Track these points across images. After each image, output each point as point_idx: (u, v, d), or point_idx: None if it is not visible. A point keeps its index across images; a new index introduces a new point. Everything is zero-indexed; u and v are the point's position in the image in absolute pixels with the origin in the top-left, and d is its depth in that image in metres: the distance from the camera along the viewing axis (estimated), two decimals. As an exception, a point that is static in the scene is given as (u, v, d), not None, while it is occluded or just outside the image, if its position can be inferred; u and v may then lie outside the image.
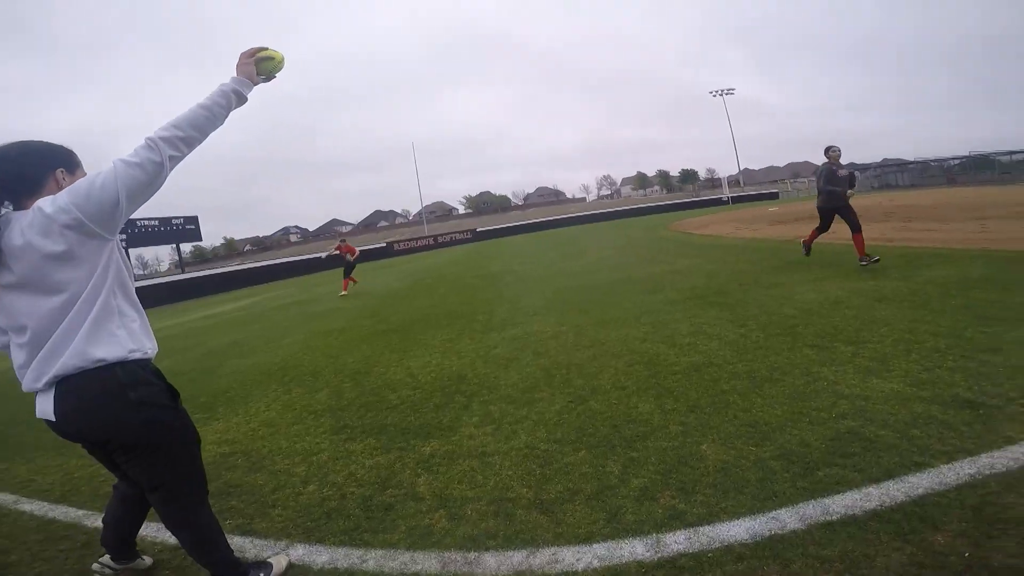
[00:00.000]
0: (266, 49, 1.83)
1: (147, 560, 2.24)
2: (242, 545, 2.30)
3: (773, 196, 49.44)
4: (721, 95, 58.76)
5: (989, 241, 7.50)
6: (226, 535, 2.29)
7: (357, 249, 14.77)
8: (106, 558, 2.13)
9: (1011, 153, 36.58)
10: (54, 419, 1.61)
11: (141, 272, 69.16)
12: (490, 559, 1.98)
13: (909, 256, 7.02)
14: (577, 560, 1.89)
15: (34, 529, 2.72)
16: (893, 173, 47.87)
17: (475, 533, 2.15)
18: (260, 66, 1.82)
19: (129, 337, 1.67)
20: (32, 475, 3.51)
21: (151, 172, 1.56)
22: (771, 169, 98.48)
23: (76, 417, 1.61)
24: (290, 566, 2.10)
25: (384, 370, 4.97)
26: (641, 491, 2.25)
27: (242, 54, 1.82)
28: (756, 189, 58.02)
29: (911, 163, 48.43)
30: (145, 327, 1.79)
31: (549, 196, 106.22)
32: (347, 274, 14.08)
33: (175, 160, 1.61)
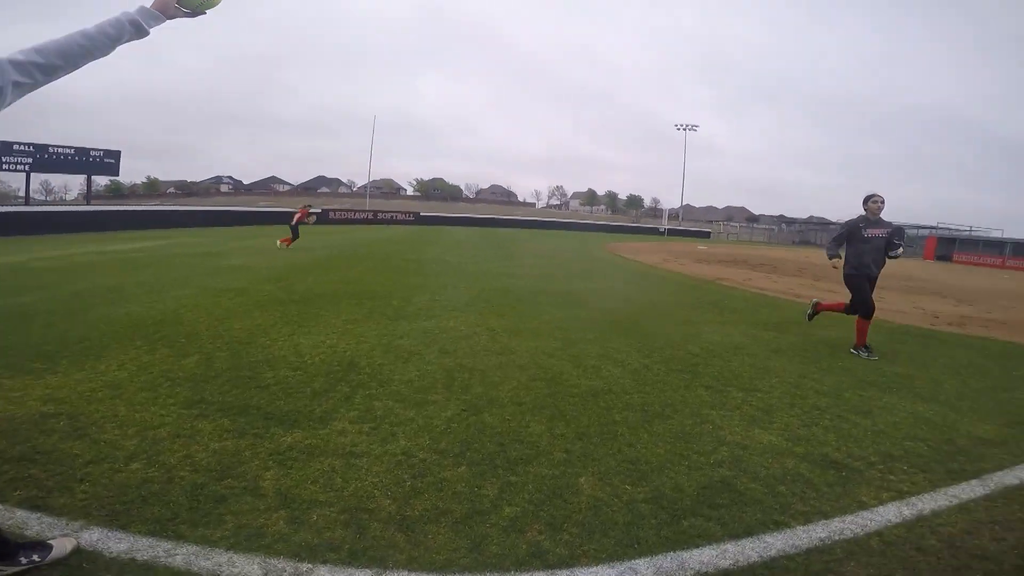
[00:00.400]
0: None
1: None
2: (26, 521, 1.98)
3: (705, 235, 52.10)
4: (685, 130, 61.03)
5: (881, 312, 8.11)
6: (12, 509, 2.04)
7: (309, 211, 16.24)
8: None
9: (919, 227, 41.02)
10: None
11: (43, 198, 61.81)
12: (325, 573, 1.75)
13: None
14: (425, 591, 1.69)
15: None
16: (815, 231, 52.16)
17: (316, 542, 1.91)
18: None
19: None
20: None
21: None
22: (710, 209, 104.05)
23: None
24: (76, 551, 1.82)
25: (270, 343, 4.53)
26: (511, 521, 2.09)
27: None
28: (692, 225, 60.99)
29: (832, 224, 53.03)
30: None
31: (501, 195, 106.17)
32: (294, 233, 14.86)
33: (22, 88, 1.48)
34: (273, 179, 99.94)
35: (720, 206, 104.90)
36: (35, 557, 1.74)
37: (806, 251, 32.64)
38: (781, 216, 64.40)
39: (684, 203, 65.95)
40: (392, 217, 40.90)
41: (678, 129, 61.01)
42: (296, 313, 5.78)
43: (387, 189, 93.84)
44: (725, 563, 1.89)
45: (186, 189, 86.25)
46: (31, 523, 1.97)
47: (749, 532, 2.08)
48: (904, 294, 11.16)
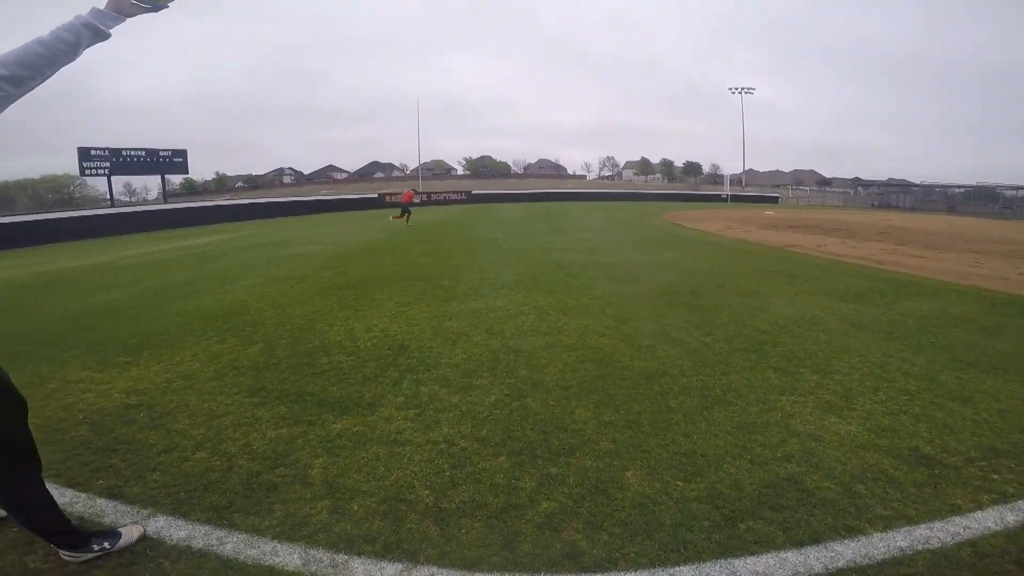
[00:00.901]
0: None
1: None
2: (103, 509, 2.12)
3: (773, 200, 48.81)
4: (740, 93, 57.44)
5: (981, 278, 7.29)
6: (94, 497, 2.20)
7: (413, 194, 21.29)
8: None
9: (1017, 188, 36.52)
10: None
11: (127, 198, 67.36)
12: (358, 566, 1.75)
13: (895, 283, 6.78)
14: (452, 590, 1.65)
15: None
16: (895, 193, 47.78)
17: (353, 533, 1.92)
18: None
19: None
20: None
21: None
22: (776, 173, 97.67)
23: None
24: (142, 538, 1.93)
25: (327, 328, 4.67)
26: (547, 518, 2.00)
27: None
28: (757, 190, 57.45)
29: (915, 186, 48.34)
30: None
31: (549, 169, 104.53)
32: (404, 212, 18.72)
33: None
34: (331, 168, 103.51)
35: (787, 170, 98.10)
36: (105, 544, 1.86)
37: (887, 214, 29.80)
38: (856, 179, 59.34)
39: (747, 167, 62.08)
40: (445, 198, 41.32)
41: (733, 92, 57.37)
42: (352, 298, 5.93)
43: (438, 170, 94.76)
44: (783, 574, 1.70)
45: (252, 182, 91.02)
46: (107, 511, 2.10)
47: (816, 539, 1.85)
48: (1007, 259, 9.95)
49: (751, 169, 75.09)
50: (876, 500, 2.08)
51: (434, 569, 1.74)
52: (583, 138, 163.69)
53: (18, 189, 72.86)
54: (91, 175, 25.53)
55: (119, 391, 3.36)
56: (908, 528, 1.91)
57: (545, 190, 51.68)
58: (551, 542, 1.86)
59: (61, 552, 1.85)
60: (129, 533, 1.92)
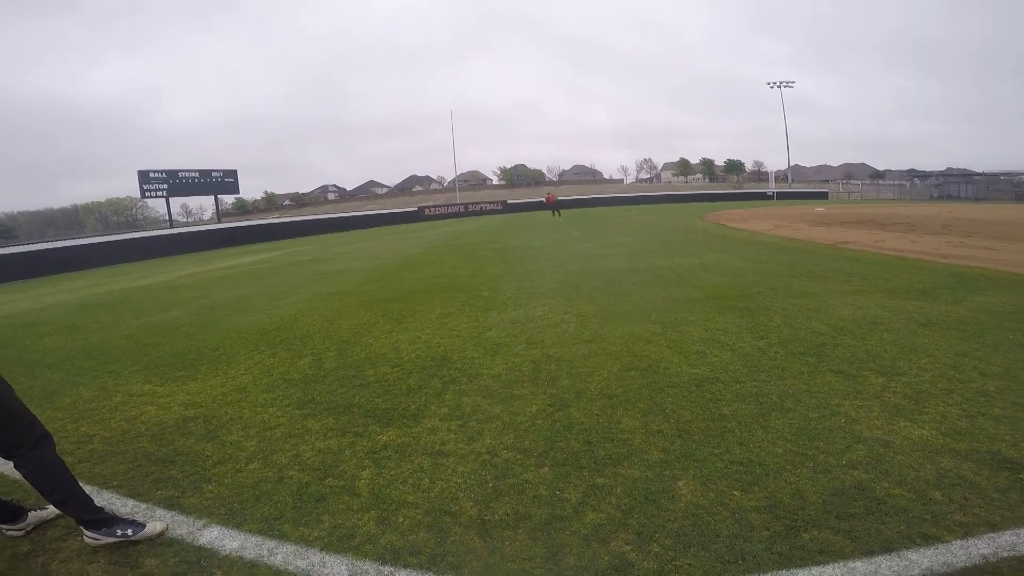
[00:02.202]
0: None
1: (48, 509, 2.23)
2: (162, 518, 2.20)
3: (822, 196, 46.74)
4: (779, 87, 55.60)
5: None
6: (154, 507, 2.31)
7: (554, 198, 28.12)
8: (6, 525, 2.15)
9: None
10: None
11: (184, 219, 71.50)
12: None
13: (963, 277, 6.32)
14: (497, 603, 1.61)
15: None
16: (956, 184, 44.87)
17: (400, 545, 1.92)
18: None
19: None
20: None
21: None
22: (823, 168, 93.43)
23: None
24: (161, 534, 2.08)
25: (372, 341, 4.75)
26: (594, 529, 1.93)
27: None
28: (805, 186, 55.14)
29: (977, 175, 45.27)
30: None
31: (585, 174, 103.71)
32: (554, 211, 25.59)
33: None
34: (372, 183, 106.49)
35: (835, 164, 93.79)
36: (128, 532, 2.01)
37: (948, 205, 27.89)
38: (912, 170, 56.04)
39: (792, 163, 59.67)
40: (481, 208, 41.73)
41: (771, 87, 55.43)
42: (395, 310, 6.02)
43: (474, 181, 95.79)
44: (851, 585, 1.57)
45: (298, 200, 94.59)
46: (165, 520, 2.18)
47: (887, 548, 1.73)
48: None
49: (796, 165, 72.23)
50: (955, 506, 1.92)
51: (478, 582, 1.70)
52: (618, 141, 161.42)
53: (86, 212, 78.52)
54: (151, 197, 27.29)
55: (178, 404, 3.52)
56: (992, 535, 1.76)
57: (581, 195, 51.38)
58: (598, 554, 1.80)
59: (84, 534, 1.99)
60: (152, 527, 2.07)
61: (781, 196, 45.00)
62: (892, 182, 56.10)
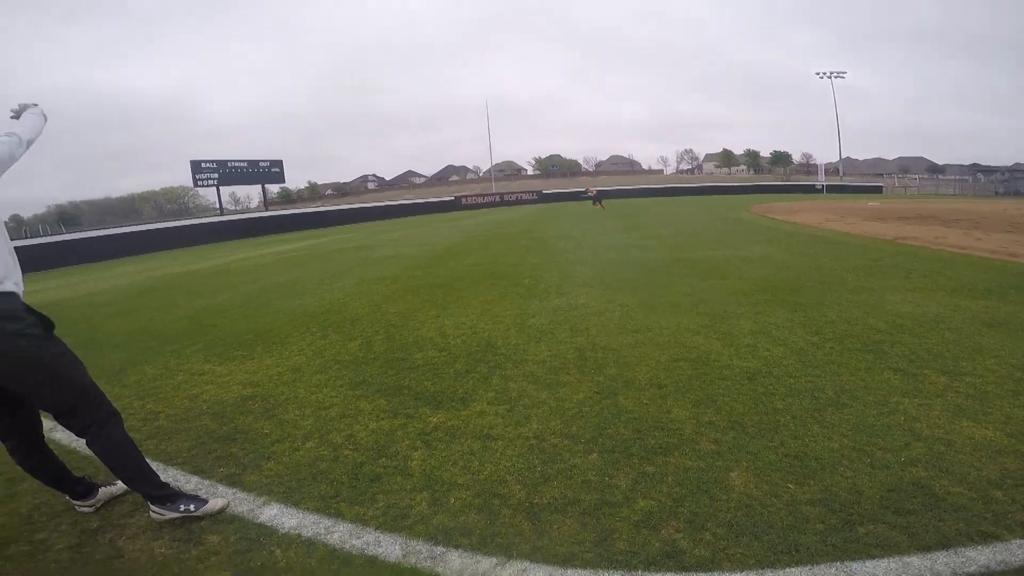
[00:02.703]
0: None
1: (118, 484, 2.31)
2: (224, 496, 2.27)
3: (876, 190, 44.39)
4: (831, 77, 52.89)
5: None
6: (216, 484, 2.36)
7: (595, 190, 30.37)
8: (78, 501, 2.23)
9: None
10: None
11: (232, 206, 74.44)
12: (455, 559, 1.79)
13: (1036, 275, 5.93)
14: (547, 585, 1.65)
15: None
16: (1024, 179, 41.82)
17: (451, 525, 1.96)
18: None
19: (6, 271, 1.85)
20: None
21: (13, 157, 1.95)
22: (877, 161, 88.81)
23: None
24: (222, 510, 2.14)
25: (419, 325, 4.85)
26: (644, 516, 1.94)
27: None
28: (857, 179, 52.52)
29: (1050, 169, 42.03)
30: (16, 270, 1.94)
31: (623, 165, 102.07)
32: (596, 201, 26.77)
33: (22, 154, 1.99)
34: (410, 173, 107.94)
35: (890, 157, 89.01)
36: (191, 507, 2.07)
37: (1017, 202, 25.98)
38: (975, 165, 52.44)
39: (843, 156, 56.76)
40: (517, 198, 41.70)
41: (820, 77, 52.61)
42: (441, 296, 6.13)
43: (509, 171, 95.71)
44: (905, 579, 1.55)
45: (340, 190, 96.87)
46: (228, 497, 2.25)
47: (944, 544, 1.70)
48: None
49: (848, 157, 68.66)
50: (1017, 507, 1.86)
51: (527, 564, 1.74)
52: (656, 134, 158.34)
53: (142, 201, 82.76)
54: (202, 185, 28.52)
55: (237, 383, 3.67)
56: None
57: (619, 187, 50.57)
58: (649, 540, 1.80)
59: (150, 509, 2.07)
60: (213, 503, 2.13)
61: (831, 189, 43.09)
62: (953, 177, 52.84)
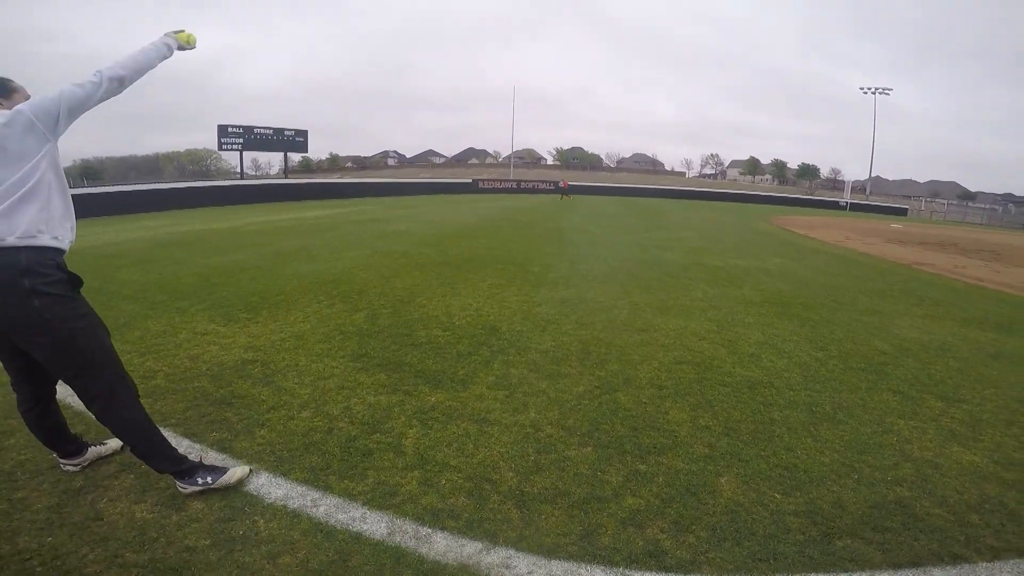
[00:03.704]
0: (183, 31, 2.17)
1: (107, 444, 2.28)
2: (214, 461, 2.22)
3: (901, 212, 43.51)
4: (874, 93, 51.61)
5: None
6: (206, 449, 2.33)
7: (567, 184, 34.13)
8: (65, 460, 2.17)
9: None
10: None
11: (253, 172, 74.93)
12: (440, 540, 1.80)
13: (1053, 312, 5.83)
14: (528, 572, 1.67)
15: None
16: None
17: (439, 507, 1.98)
18: (180, 38, 2.14)
19: (46, 225, 1.76)
20: None
21: (91, 96, 1.84)
22: (907, 183, 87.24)
23: None
24: (241, 480, 2.08)
25: (425, 303, 4.88)
26: (631, 514, 1.96)
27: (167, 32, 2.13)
28: (883, 201, 51.46)
29: (1085, 204, 41.00)
30: (64, 223, 1.86)
31: (646, 164, 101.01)
32: (565, 195, 30.71)
33: (110, 94, 1.89)
34: (430, 152, 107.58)
35: (921, 180, 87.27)
36: (208, 479, 2.00)
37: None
38: (1008, 195, 51.16)
39: (873, 174, 55.71)
40: (534, 186, 41.47)
41: (865, 93, 51.43)
42: (449, 275, 6.16)
43: (528, 159, 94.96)
44: (872, 593, 1.57)
45: (360, 163, 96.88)
46: (217, 464, 2.19)
47: (916, 563, 1.74)
48: None
49: (877, 176, 67.62)
50: (990, 531, 1.91)
51: (512, 552, 1.76)
52: (683, 134, 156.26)
53: (166, 161, 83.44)
54: (227, 150, 28.65)
55: (239, 346, 3.66)
56: (1017, 560, 1.76)
57: (639, 185, 50.08)
58: (633, 538, 1.82)
59: (176, 483, 2.00)
60: (231, 474, 2.05)
61: (855, 207, 42.34)
62: (983, 205, 51.71)
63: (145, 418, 1.97)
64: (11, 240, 1.68)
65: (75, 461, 2.16)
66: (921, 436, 2.63)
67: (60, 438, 2.12)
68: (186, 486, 2.00)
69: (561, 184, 34.48)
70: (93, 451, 2.22)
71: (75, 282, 1.85)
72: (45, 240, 1.75)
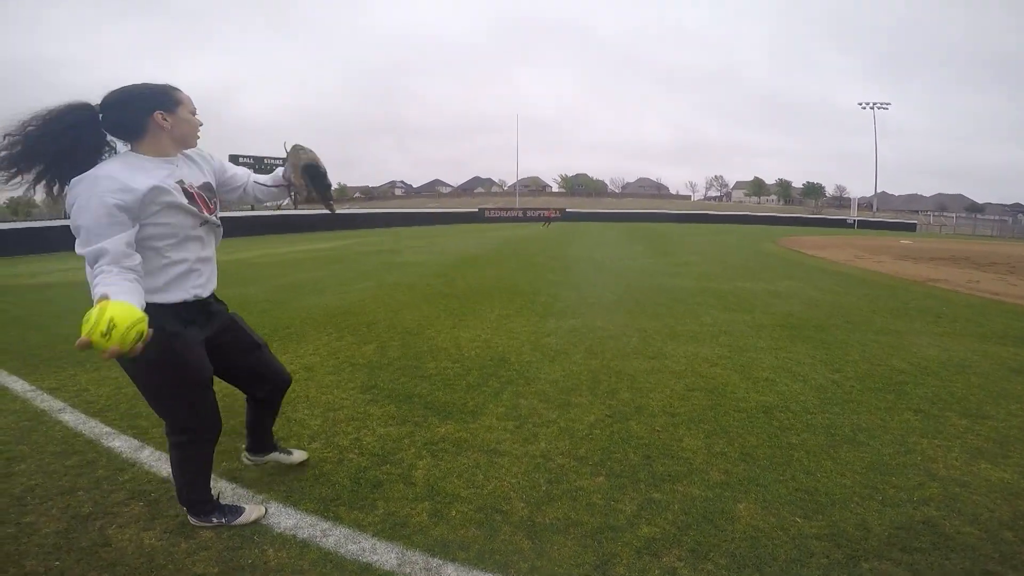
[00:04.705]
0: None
1: (292, 455, 2.46)
2: (223, 490, 2.26)
3: (910, 227, 43.29)
4: (873, 108, 52.16)
5: None
6: (217, 478, 2.33)
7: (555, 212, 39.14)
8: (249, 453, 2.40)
9: None
10: None
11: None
12: (451, 572, 1.77)
13: (1074, 326, 5.70)
14: (543, 605, 1.62)
15: (58, 440, 2.75)
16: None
17: (449, 538, 1.94)
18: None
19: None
20: (90, 385, 3.60)
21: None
22: (914, 197, 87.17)
23: None
24: (257, 521, 2.05)
25: (434, 334, 4.88)
26: (647, 543, 1.90)
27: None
28: (891, 216, 51.33)
29: (1099, 215, 40.56)
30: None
31: (650, 188, 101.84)
32: (547, 222, 33.56)
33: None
34: (437, 182, 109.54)
35: (927, 194, 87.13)
36: (223, 520, 2.00)
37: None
38: (1016, 205, 50.88)
39: (878, 190, 55.73)
40: (540, 214, 41.91)
41: (863, 108, 52.06)
42: (457, 307, 6.17)
43: (534, 187, 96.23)
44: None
45: (368, 193, 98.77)
46: (226, 493, 2.24)
47: None
48: None
49: (883, 192, 67.63)
50: None
51: (524, 584, 1.71)
52: (686, 158, 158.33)
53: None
54: (238, 180, 29.21)
55: (248, 379, 3.71)
56: None
57: (645, 210, 50.39)
58: (649, 567, 1.77)
59: (190, 517, 2.00)
60: (248, 513, 2.04)
61: (863, 225, 42.18)
62: (993, 217, 51.32)
63: (195, 464, 1.99)
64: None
65: (256, 458, 2.38)
66: (946, 455, 2.56)
67: (253, 432, 2.34)
68: (196, 520, 2.00)
69: (548, 214, 38.52)
70: (273, 456, 2.42)
71: (182, 318, 1.94)
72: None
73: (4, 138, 1.58)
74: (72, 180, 1.58)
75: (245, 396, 2.24)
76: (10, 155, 1.59)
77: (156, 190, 1.65)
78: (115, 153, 1.71)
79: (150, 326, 1.47)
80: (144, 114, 1.68)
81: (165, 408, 1.88)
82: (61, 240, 16.06)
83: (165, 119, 1.71)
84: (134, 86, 1.71)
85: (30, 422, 3.00)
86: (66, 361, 4.14)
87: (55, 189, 1.63)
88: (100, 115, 1.66)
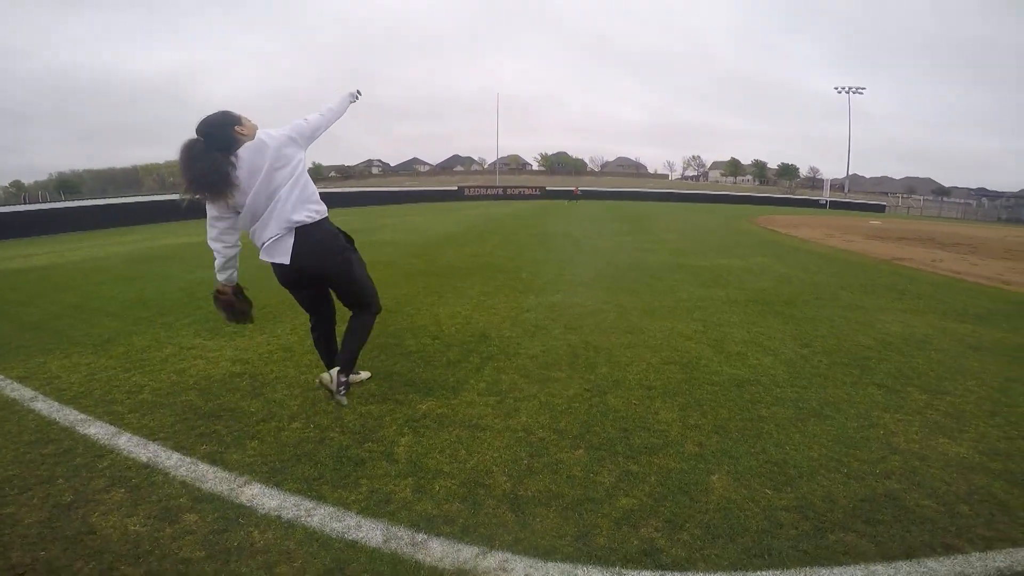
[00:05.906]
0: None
1: (360, 375, 3.24)
2: (204, 474, 2.22)
3: (879, 208, 44.43)
4: (848, 92, 53.00)
5: None
6: (197, 462, 2.34)
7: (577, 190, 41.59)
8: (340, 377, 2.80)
9: None
10: (287, 261, 2.62)
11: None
12: (437, 546, 1.80)
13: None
14: (525, 575, 1.67)
15: (32, 429, 2.69)
16: (1029, 205, 42.00)
17: (434, 513, 1.97)
18: None
19: (321, 204, 2.69)
20: (61, 372, 3.52)
21: (320, 126, 2.78)
22: (883, 180, 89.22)
23: (308, 255, 2.61)
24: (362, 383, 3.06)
25: (413, 312, 4.87)
26: (625, 514, 1.97)
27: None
28: (862, 197, 52.59)
29: (1055, 197, 42.24)
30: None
31: (629, 167, 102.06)
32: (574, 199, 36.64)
33: (330, 125, 2.86)
34: (415, 160, 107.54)
35: (897, 176, 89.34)
36: (360, 375, 3.25)
37: (1017, 229, 26.10)
38: (981, 189, 52.60)
39: (850, 173, 56.98)
40: (520, 192, 41.82)
41: (839, 92, 52.99)
42: (437, 284, 6.15)
43: (514, 165, 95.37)
44: (867, 586, 1.60)
45: (344, 172, 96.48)
46: (208, 476, 2.21)
47: (909, 554, 1.75)
48: None
49: (855, 175, 69.10)
50: (981, 521, 1.93)
51: (508, 555, 1.75)
52: (663, 138, 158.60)
53: (146, 173, 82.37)
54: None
55: (226, 359, 3.66)
56: (1012, 550, 1.78)
57: (623, 188, 50.57)
58: (628, 537, 1.83)
59: (347, 376, 2.81)
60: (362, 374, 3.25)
61: (834, 205, 43.17)
62: (958, 200, 52.98)
63: (368, 333, 2.94)
64: (318, 217, 2.62)
65: (345, 378, 2.80)
66: (907, 429, 2.67)
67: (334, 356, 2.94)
68: (353, 377, 2.97)
69: (574, 191, 40.63)
70: (355, 376, 3.10)
71: (351, 238, 2.89)
72: (326, 212, 2.70)
73: (190, 184, 2.39)
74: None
75: (319, 329, 3.06)
76: (191, 188, 2.42)
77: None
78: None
79: (346, 236, 2.90)
80: (229, 130, 2.45)
81: (372, 292, 2.93)
82: (16, 225, 15.38)
83: (240, 129, 2.48)
84: (212, 116, 2.46)
85: (1, 412, 2.91)
86: (34, 349, 4.01)
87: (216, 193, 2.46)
88: (204, 141, 2.38)
